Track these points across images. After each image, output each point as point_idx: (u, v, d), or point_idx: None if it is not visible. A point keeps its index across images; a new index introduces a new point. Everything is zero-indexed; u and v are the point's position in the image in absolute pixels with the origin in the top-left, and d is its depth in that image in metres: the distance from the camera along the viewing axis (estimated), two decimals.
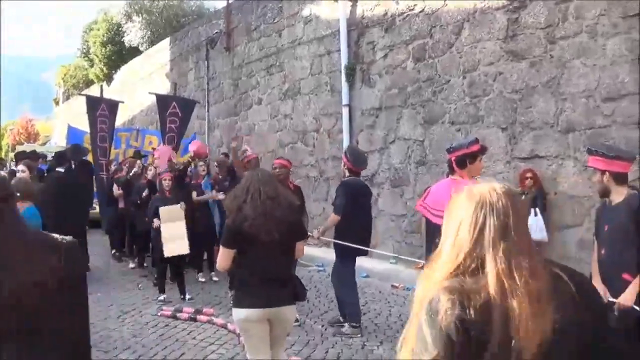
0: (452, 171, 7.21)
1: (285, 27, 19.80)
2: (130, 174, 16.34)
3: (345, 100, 16.92)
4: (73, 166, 14.92)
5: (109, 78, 41.30)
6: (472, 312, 2.21)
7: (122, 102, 20.47)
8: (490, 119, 13.04)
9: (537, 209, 11.56)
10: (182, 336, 9.75)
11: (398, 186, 15.46)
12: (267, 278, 5.79)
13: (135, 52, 37.69)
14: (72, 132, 20.98)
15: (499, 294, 2.23)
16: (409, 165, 15.15)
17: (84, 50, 44.90)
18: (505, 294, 2.23)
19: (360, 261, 10.71)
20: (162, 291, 12.24)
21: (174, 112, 17.85)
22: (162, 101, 18.48)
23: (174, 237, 12.00)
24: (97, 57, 41.65)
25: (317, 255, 15.42)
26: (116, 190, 16.28)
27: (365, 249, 10.05)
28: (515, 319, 2.19)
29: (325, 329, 10.05)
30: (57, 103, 63.01)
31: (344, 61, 16.82)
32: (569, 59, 11.57)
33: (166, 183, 12.36)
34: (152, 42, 35.88)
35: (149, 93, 20.75)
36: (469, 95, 13.50)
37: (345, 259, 9.94)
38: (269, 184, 5.93)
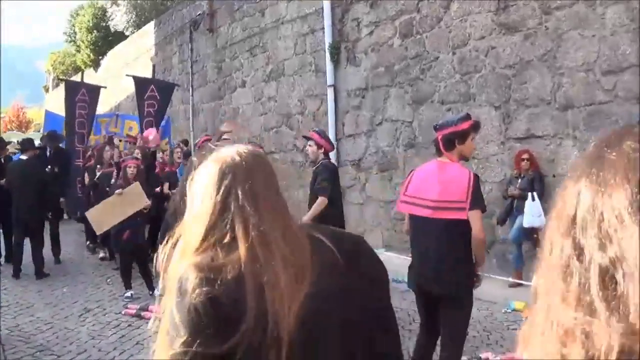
0: (439, 152, 6.27)
1: (269, 6, 19.13)
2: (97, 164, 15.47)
3: (330, 81, 16.20)
4: (48, 153, 14.81)
5: (96, 64, 40.80)
6: (223, 287, 2.03)
7: (104, 87, 19.98)
8: (482, 97, 12.33)
9: (535, 193, 10.88)
10: (143, 338, 8.83)
11: (386, 170, 14.76)
12: None
13: (121, 37, 37.19)
14: (49, 117, 20.60)
15: (250, 265, 2.07)
16: (397, 148, 14.45)
17: (71, 36, 44.40)
18: (258, 264, 2.08)
19: None
20: (128, 287, 11.50)
21: (152, 95, 17.39)
22: (140, 85, 17.93)
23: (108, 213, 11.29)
24: (84, 42, 41.32)
25: None
26: (87, 179, 15.36)
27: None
28: (269, 289, 2.04)
29: None
30: (47, 90, 62.32)
31: (328, 40, 16.15)
32: (565, 30, 10.81)
33: (130, 171, 11.48)
34: (138, 26, 35.39)
35: (126, 76, 20.02)
36: (460, 72, 12.80)
37: None
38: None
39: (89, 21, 40.54)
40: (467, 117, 6.33)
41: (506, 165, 11.83)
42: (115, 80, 31.13)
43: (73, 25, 44.03)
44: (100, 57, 40.03)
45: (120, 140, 19.02)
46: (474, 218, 5.78)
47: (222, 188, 2.20)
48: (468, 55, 12.57)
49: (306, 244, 2.18)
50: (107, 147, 14.90)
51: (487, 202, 11.66)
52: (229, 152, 2.33)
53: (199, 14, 23.86)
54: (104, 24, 39.61)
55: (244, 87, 20.69)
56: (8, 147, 17.47)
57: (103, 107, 30.39)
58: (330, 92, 16.20)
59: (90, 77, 36.13)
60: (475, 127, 6.36)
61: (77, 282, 12.48)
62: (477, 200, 5.85)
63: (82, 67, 42.56)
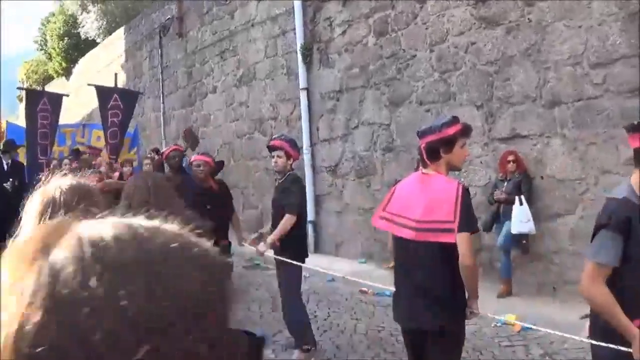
0: (423, 163, 5.40)
1: (238, 8, 18.57)
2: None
3: (303, 84, 15.59)
4: (5, 166, 14.30)
5: (68, 72, 40.18)
6: None
7: (67, 94, 19.25)
8: (463, 96, 11.75)
9: (522, 197, 10.26)
10: None
11: (364, 176, 14.13)
12: None
13: (92, 44, 36.60)
14: (10, 128, 19.70)
15: None
16: (374, 153, 13.82)
17: (42, 44, 43.92)
18: None
19: (327, 262, 9.10)
20: None
21: (115, 104, 16.77)
22: (103, 94, 17.33)
23: None
24: (55, 50, 40.84)
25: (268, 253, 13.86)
26: None
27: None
28: None
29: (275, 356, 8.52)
30: (21, 100, 61.50)
31: (299, 41, 15.56)
32: (549, 21, 10.23)
33: None
34: (109, 32, 34.78)
35: (88, 85, 19.38)
36: (438, 70, 12.20)
37: (294, 268, 8.30)
38: (159, 195, 4.36)
39: (59, 28, 40.03)
40: (454, 120, 5.36)
41: (491, 167, 11.26)
42: (87, 89, 30.45)
43: (44, 33, 43.39)
44: (72, 65, 39.39)
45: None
46: (461, 241, 4.87)
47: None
48: (447, 52, 11.99)
49: None
50: (66, 161, 14.13)
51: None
52: (52, 187, 2.50)
53: (168, 18, 23.34)
54: (75, 31, 39.08)
55: (215, 93, 20.18)
56: None
57: (75, 117, 30.12)
58: (303, 96, 15.62)
59: (62, 86, 35.67)
60: (465, 131, 5.43)
61: None
62: (466, 220, 4.95)
63: (54, 75, 42.17)
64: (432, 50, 12.27)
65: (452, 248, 4.90)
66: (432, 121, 5.66)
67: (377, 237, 13.44)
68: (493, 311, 9.74)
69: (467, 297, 5.18)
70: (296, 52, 15.71)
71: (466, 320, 5.23)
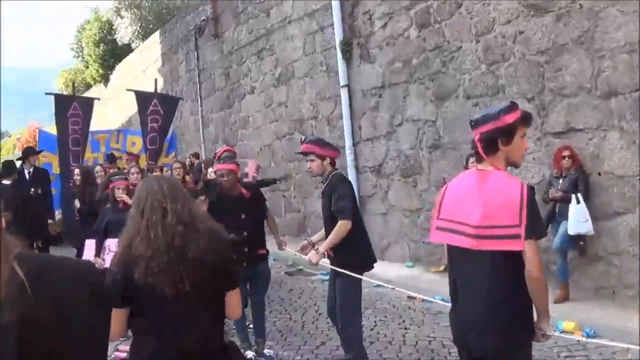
0: (478, 158, 4.63)
1: (274, 5, 18.25)
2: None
3: (343, 81, 15.18)
4: (28, 176, 14.06)
5: (105, 79, 40.25)
6: None
7: (97, 98, 18.82)
8: (512, 88, 11.19)
9: (579, 195, 9.72)
10: None
11: (410, 176, 13.64)
12: (180, 352, 3.71)
13: (128, 50, 36.78)
14: (42, 136, 19.44)
15: None
16: (420, 151, 13.32)
17: (78, 52, 44.03)
18: None
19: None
20: None
21: (155, 110, 16.31)
22: (143, 99, 16.85)
23: None
24: (91, 57, 40.87)
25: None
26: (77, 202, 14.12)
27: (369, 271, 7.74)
28: None
29: None
30: None
31: (338, 36, 15.16)
32: (602, 7, 9.66)
33: (119, 193, 10.16)
34: (144, 37, 35.00)
35: (127, 90, 19.00)
36: (485, 62, 11.67)
37: (351, 278, 7.45)
38: (177, 200, 3.86)
39: (95, 35, 40.04)
40: (512, 106, 4.55)
41: (545, 164, 10.71)
42: (126, 95, 30.37)
43: (79, 40, 43.43)
44: (109, 72, 39.47)
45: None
46: (528, 249, 4.17)
47: None
48: (494, 43, 11.47)
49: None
50: (98, 168, 13.68)
51: None
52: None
53: (202, 20, 23.15)
54: (111, 37, 39.23)
55: (253, 94, 19.91)
56: None
57: (113, 123, 30.35)
58: (344, 93, 15.22)
59: (100, 93, 35.70)
60: (525, 119, 4.67)
61: None
62: (533, 224, 4.22)
63: (92, 83, 42.36)
64: (478, 41, 11.77)
65: (517, 257, 4.20)
66: (487, 110, 4.81)
67: (424, 239, 13.10)
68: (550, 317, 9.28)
69: (535, 315, 4.44)
70: (335, 48, 15.35)
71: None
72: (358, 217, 7.66)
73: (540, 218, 4.43)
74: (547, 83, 10.56)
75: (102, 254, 9.80)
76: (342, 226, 7.25)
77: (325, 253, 7.47)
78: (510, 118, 4.38)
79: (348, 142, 14.75)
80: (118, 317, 3.64)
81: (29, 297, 2.10)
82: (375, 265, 7.72)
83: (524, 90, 10.94)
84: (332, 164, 7.69)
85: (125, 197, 9.64)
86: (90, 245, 10.57)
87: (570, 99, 10.23)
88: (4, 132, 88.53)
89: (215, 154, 11.20)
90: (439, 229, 4.66)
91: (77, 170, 13.39)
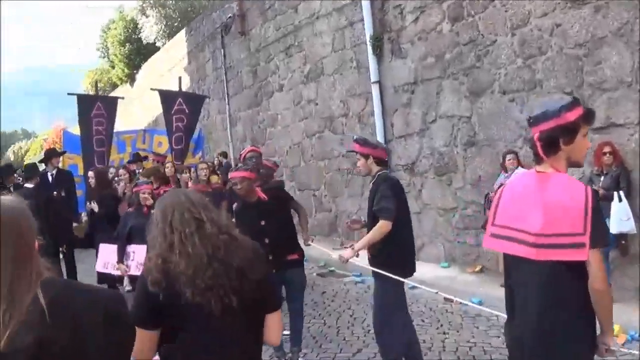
0: (537, 159, 4.23)
1: (302, 1, 18.02)
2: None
3: (374, 77, 14.88)
4: (51, 179, 13.87)
5: (131, 79, 40.32)
6: None
7: (122, 97, 18.85)
8: (550, 82, 10.87)
9: (621, 192, 9.42)
10: None
11: (444, 174, 13.37)
12: None
13: (154, 49, 36.72)
14: (67, 137, 19.35)
15: None
16: (455, 148, 13.04)
17: (104, 52, 44.12)
18: None
19: None
20: None
21: (180, 109, 16.32)
22: (167, 98, 16.85)
23: None
24: (117, 57, 41.02)
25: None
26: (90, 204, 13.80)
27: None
28: None
29: None
30: None
31: (368, 32, 14.89)
32: None
33: (143, 197, 9.84)
34: (169, 35, 34.90)
35: (151, 89, 18.80)
36: (522, 56, 11.36)
37: (390, 281, 7.12)
38: (210, 208, 3.67)
39: (120, 34, 40.18)
40: (574, 103, 4.17)
41: (585, 160, 10.18)
42: (152, 94, 30.28)
43: (105, 40, 43.56)
44: (135, 72, 39.54)
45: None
46: (593, 260, 3.84)
47: None
48: (530, 36, 11.17)
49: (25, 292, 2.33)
50: (122, 171, 13.41)
51: None
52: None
53: (229, 17, 22.96)
54: (136, 37, 39.23)
55: (282, 91, 19.67)
56: (15, 174, 16.35)
57: (139, 123, 30.45)
58: (375, 90, 14.92)
59: (126, 92, 35.75)
60: (587, 117, 4.23)
61: None
62: (599, 232, 3.90)
63: (118, 82, 42.57)
64: (514, 35, 11.47)
65: (580, 268, 3.88)
66: (547, 102, 4.45)
67: (460, 239, 12.92)
68: None
69: (599, 329, 4.10)
70: (365, 44, 15.09)
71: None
72: (404, 218, 7.29)
73: (605, 225, 4.12)
74: (586, 77, 10.26)
75: (125, 260, 9.65)
76: (382, 227, 6.98)
77: (357, 252, 7.20)
78: (572, 115, 4.02)
79: (380, 139, 14.28)
80: (150, 338, 3.47)
81: (47, 322, 2.28)
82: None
83: (562, 85, 10.63)
84: (379, 163, 7.37)
85: (151, 201, 9.40)
86: (105, 249, 10.33)
87: (610, 93, 9.95)
88: (31, 133, 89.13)
89: (241, 154, 10.83)
90: (493, 236, 4.31)
91: (90, 173, 13.07)
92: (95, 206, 12.16)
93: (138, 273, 9.30)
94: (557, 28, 10.67)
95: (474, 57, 12.35)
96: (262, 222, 7.81)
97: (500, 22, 11.68)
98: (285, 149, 19.18)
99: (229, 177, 8.65)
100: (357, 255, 7.22)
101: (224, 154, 21.90)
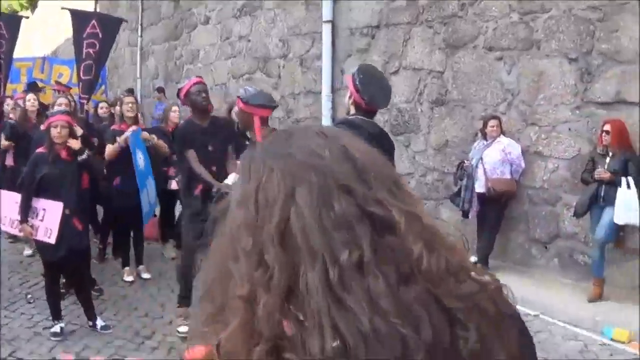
0: None
1: None
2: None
3: (327, 16, 13.32)
4: None
5: (33, 5, 37.86)
6: None
7: (26, 17, 17.38)
8: (551, 44, 9.69)
9: (629, 178, 8.38)
10: None
11: (402, 133, 12.01)
12: None
13: None
14: None
15: None
16: (419, 105, 11.71)
17: None
18: None
19: None
20: (57, 317, 7.79)
21: (93, 32, 14.22)
22: (79, 19, 14.71)
23: None
24: None
25: None
26: (3, 140, 11.69)
27: None
28: None
29: None
30: None
31: None
32: None
33: (56, 132, 7.71)
34: None
35: (62, 8, 16.84)
36: (519, 10, 10.05)
37: None
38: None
39: None
40: None
41: (582, 137, 9.32)
42: (53, 22, 28.82)
43: None
44: None
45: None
46: None
47: None
48: None
49: None
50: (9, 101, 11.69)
51: (552, 186, 9.77)
52: None
53: None
54: None
55: (207, 24, 18.04)
56: None
57: (40, 51, 28.00)
58: (326, 29, 13.37)
59: (25, 21, 33.38)
60: None
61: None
62: None
63: (19, 9, 39.79)
64: None
65: None
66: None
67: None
68: (592, 320, 8.13)
69: None
70: None
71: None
72: None
73: None
74: (597, 44, 9.16)
75: (31, 218, 7.52)
76: None
77: None
78: None
79: (326, 88, 13.08)
80: None
81: None
82: None
83: (566, 49, 9.50)
84: (358, 106, 5.86)
85: (72, 142, 7.55)
86: (7, 199, 8.22)
87: (625, 65, 8.86)
88: None
89: (180, 89, 8.74)
90: None
91: None
92: None
93: (47, 240, 7.27)
94: None
95: (457, 5, 10.99)
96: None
97: None
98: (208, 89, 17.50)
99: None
100: None
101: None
